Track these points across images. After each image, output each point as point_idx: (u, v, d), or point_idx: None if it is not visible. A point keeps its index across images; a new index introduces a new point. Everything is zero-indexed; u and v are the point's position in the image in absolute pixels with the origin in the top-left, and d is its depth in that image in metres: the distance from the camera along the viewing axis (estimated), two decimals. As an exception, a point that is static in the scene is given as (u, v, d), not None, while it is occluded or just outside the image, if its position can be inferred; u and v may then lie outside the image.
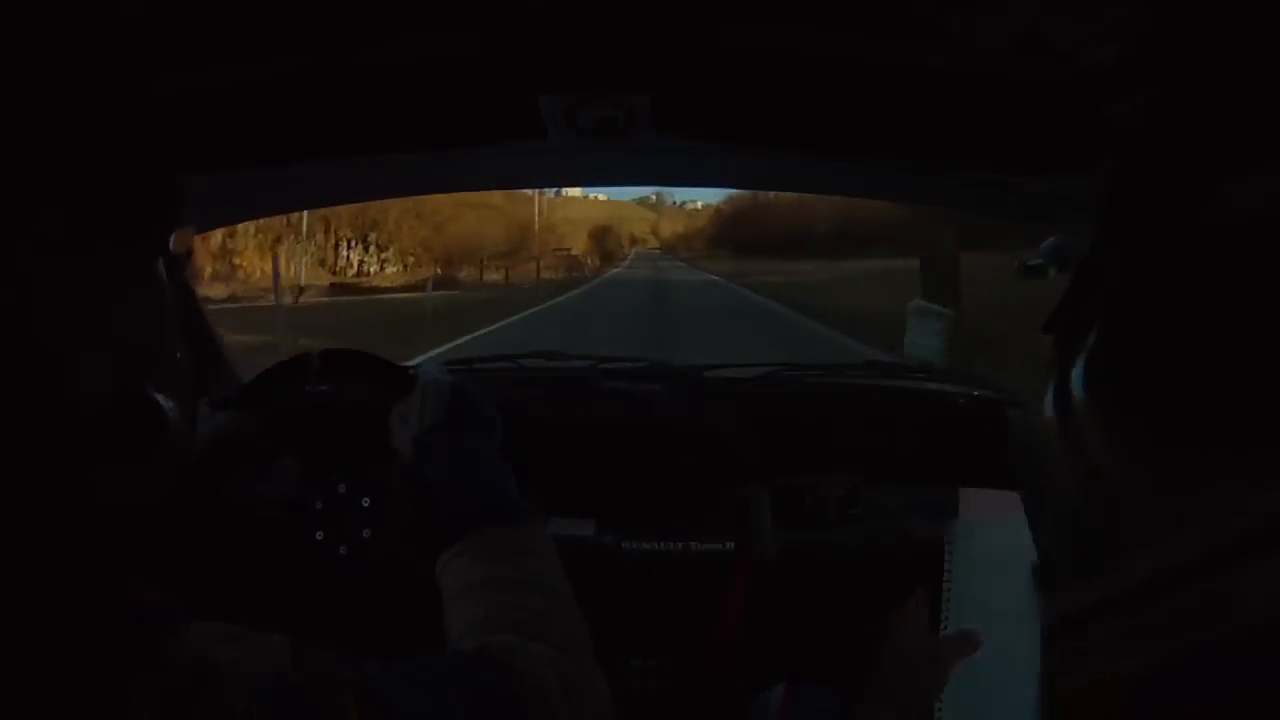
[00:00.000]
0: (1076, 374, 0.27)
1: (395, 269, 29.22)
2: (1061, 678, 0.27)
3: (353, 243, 27.90)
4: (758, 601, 0.97)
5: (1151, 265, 0.26)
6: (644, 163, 1.03)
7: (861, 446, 1.08)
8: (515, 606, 0.53)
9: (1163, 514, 0.23)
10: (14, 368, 0.32)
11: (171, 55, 0.58)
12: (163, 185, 0.41)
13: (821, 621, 0.97)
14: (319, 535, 0.90)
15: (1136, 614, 0.24)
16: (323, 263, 26.28)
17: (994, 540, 0.64)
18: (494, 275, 30.85)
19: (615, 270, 48.82)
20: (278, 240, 21.93)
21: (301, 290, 18.49)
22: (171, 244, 0.41)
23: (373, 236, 28.39)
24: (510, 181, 1.50)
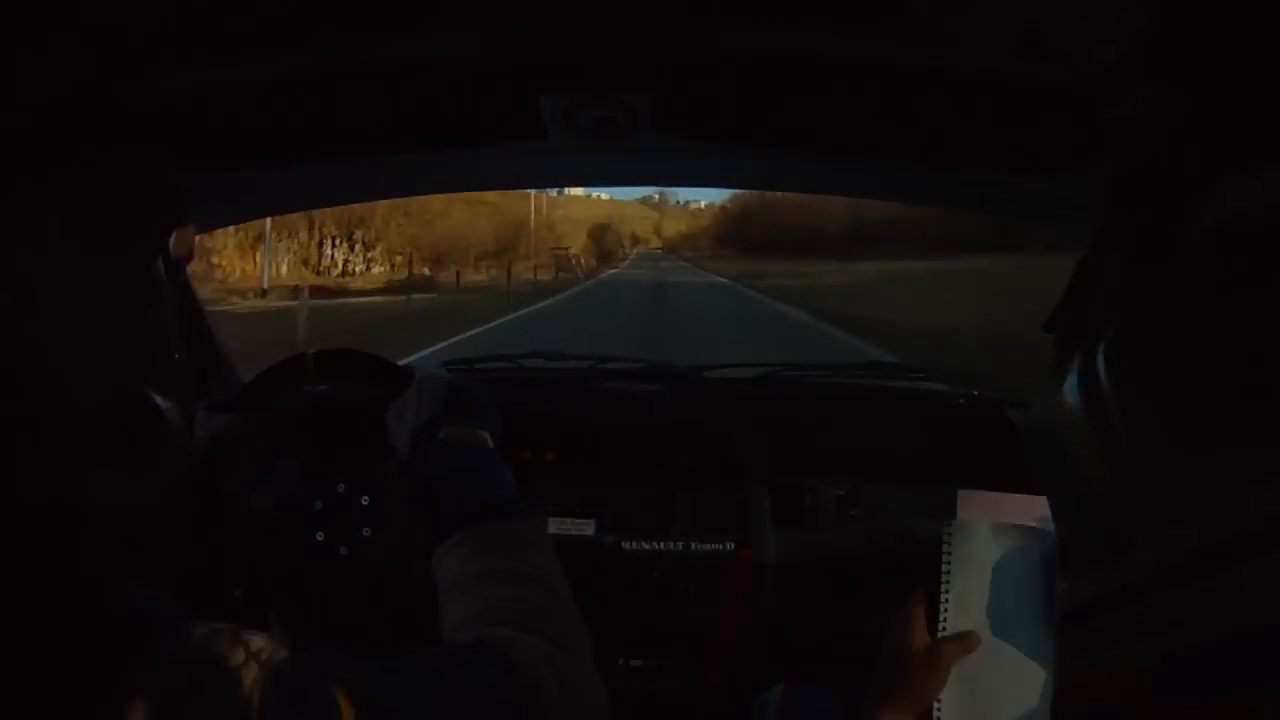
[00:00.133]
0: (1079, 372, 0.27)
1: (382, 268, 28.04)
2: (1075, 666, 0.27)
3: (337, 241, 26.85)
4: (758, 601, 0.97)
5: (1151, 265, 0.26)
6: (644, 163, 1.03)
7: (861, 446, 1.08)
8: (513, 600, 0.53)
9: (1179, 504, 0.23)
10: (13, 368, 0.32)
11: (171, 55, 0.58)
12: (163, 186, 0.41)
13: (821, 621, 0.97)
14: (319, 535, 0.90)
15: (1153, 602, 0.24)
16: (305, 262, 25.28)
17: (994, 540, 0.64)
18: (478, 276, 28.78)
19: (612, 271, 45.09)
20: (259, 239, 21.05)
21: (265, 293, 17.23)
22: (172, 244, 0.41)
23: (358, 234, 27.35)
24: (510, 181, 1.50)
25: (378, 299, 17.81)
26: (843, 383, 1.33)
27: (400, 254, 28.97)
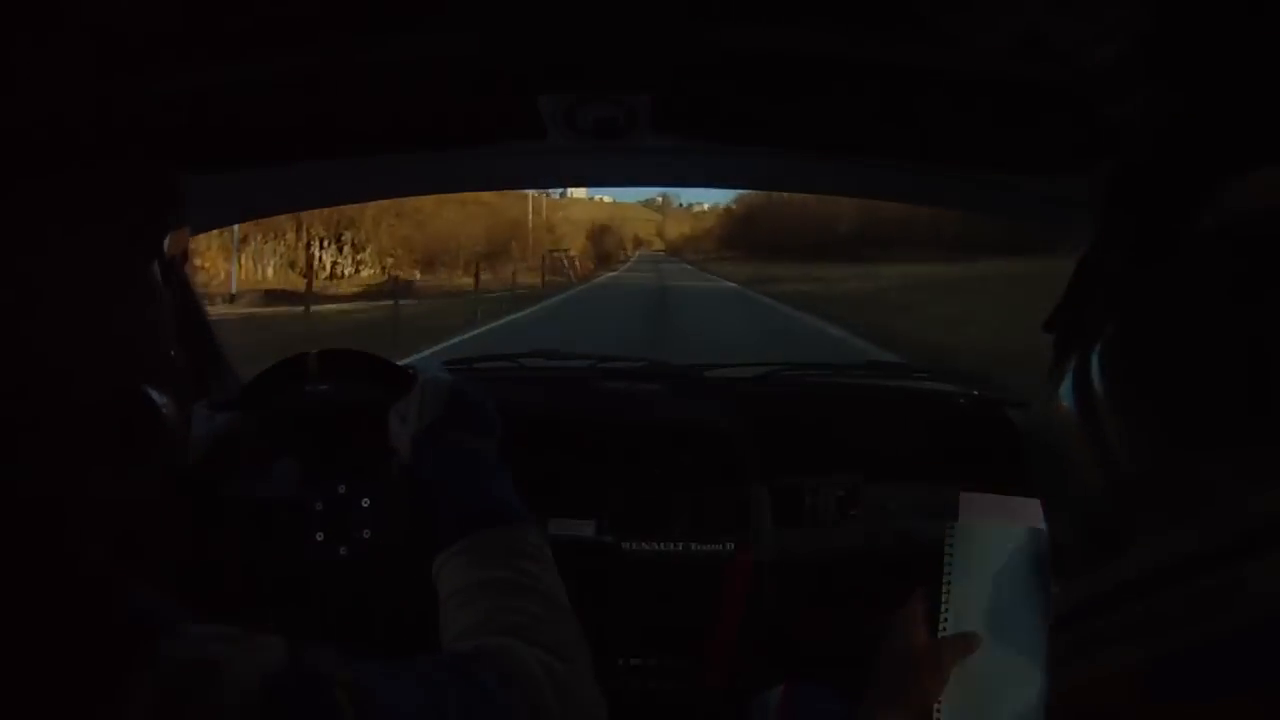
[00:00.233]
0: (1077, 372, 0.27)
1: (372, 271, 26.58)
2: (1070, 667, 0.27)
3: (325, 242, 25.45)
4: (758, 601, 0.97)
5: (1151, 265, 0.26)
6: (644, 163, 1.03)
7: (861, 446, 1.08)
8: (512, 611, 0.53)
9: (1174, 506, 0.23)
10: (11, 369, 0.32)
11: (171, 55, 0.58)
12: (159, 186, 0.41)
13: (821, 621, 0.97)
14: (319, 535, 0.90)
15: (1148, 604, 0.24)
16: (293, 264, 23.86)
17: (994, 541, 0.64)
18: (466, 280, 26.70)
19: (610, 274, 40.69)
20: (243, 241, 20.06)
21: (233, 298, 16.03)
22: (167, 245, 0.41)
23: (348, 236, 26.05)
24: (510, 181, 1.50)
25: (348, 306, 15.50)
26: (843, 383, 1.33)
27: (391, 255, 27.96)
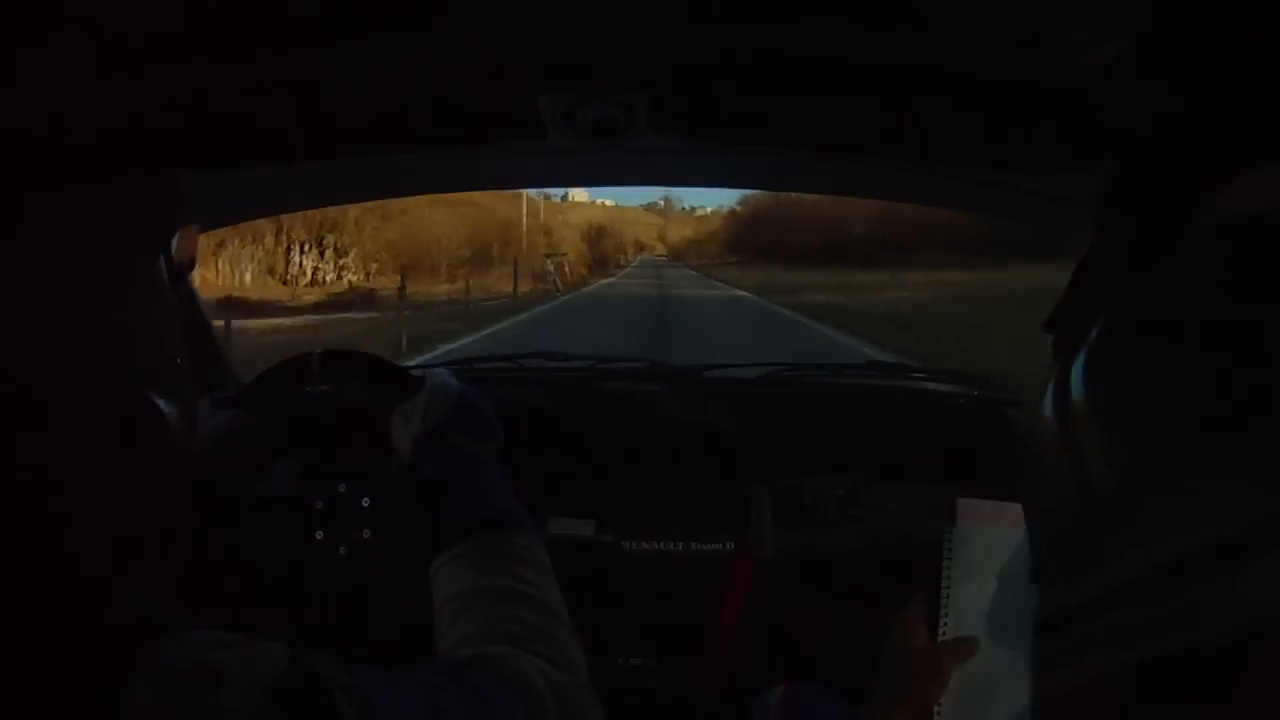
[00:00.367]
0: (1075, 373, 0.27)
1: (356, 276, 24.97)
2: (1043, 677, 0.27)
3: (306, 246, 23.93)
4: (758, 601, 0.97)
5: (1151, 265, 0.26)
6: (644, 163, 1.03)
7: (861, 446, 1.08)
8: (511, 620, 0.53)
9: (1152, 515, 0.23)
10: (17, 370, 0.32)
11: (171, 55, 0.58)
12: (160, 187, 0.41)
13: (821, 621, 0.97)
14: (319, 535, 0.90)
15: (1120, 614, 0.23)
16: (271, 270, 22.66)
17: (994, 543, 0.64)
18: (447, 287, 24.26)
19: (605, 281, 35.88)
20: (220, 245, 18.83)
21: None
22: (175, 247, 0.41)
23: (330, 239, 24.48)
24: (510, 181, 1.50)
25: (301, 320, 12.68)
26: (843, 383, 1.33)
27: (376, 260, 26.29)
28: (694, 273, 45.47)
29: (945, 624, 0.64)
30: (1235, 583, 0.21)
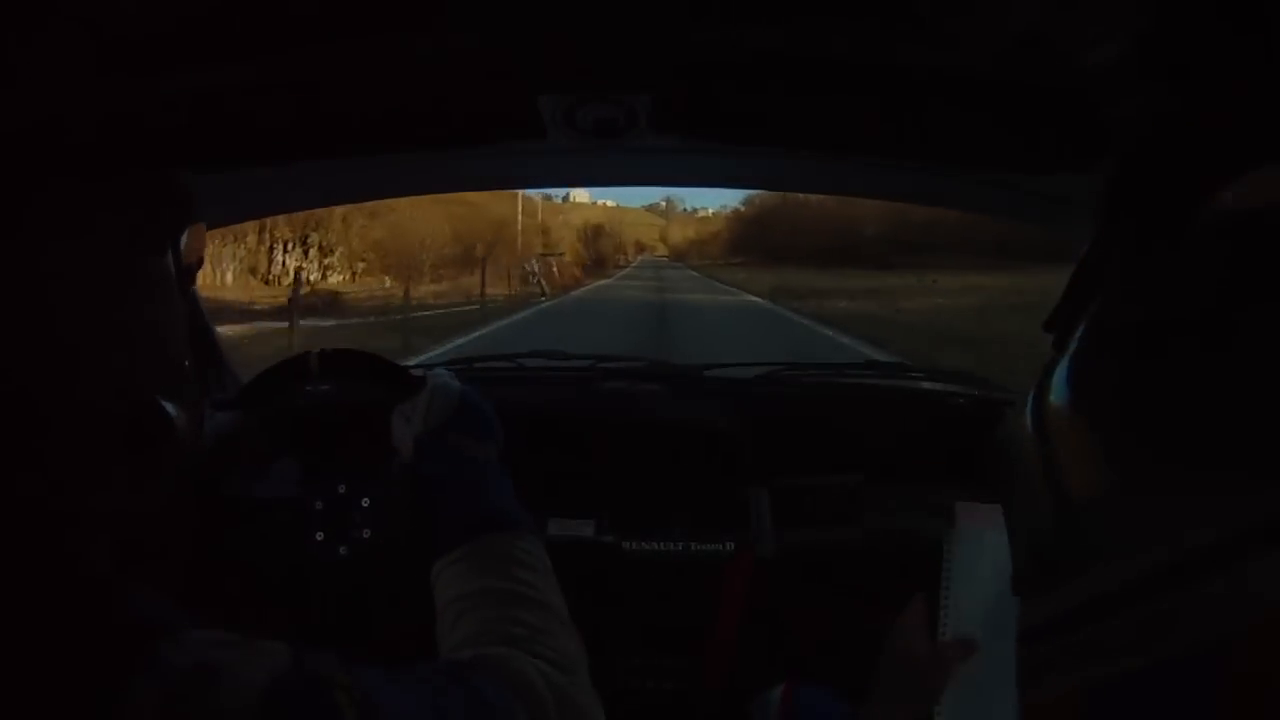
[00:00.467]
0: (1057, 378, 0.27)
1: (341, 277, 23.90)
2: (1026, 687, 0.27)
3: (290, 246, 22.97)
4: (758, 601, 0.97)
5: (1151, 265, 0.26)
6: (644, 163, 1.03)
7: (861, 446, 1.08)
8: (512, 622, 0.53)
9: (1130, 526, 0.23)
10: (23, 372, 0.32)
11: (172, 55, 0.58)
12: (161, 187, 0.41)
13: (821, 621, 0.97)
14: (319, 535, 0.90)
15: (1096, 627, 0.23)
16: (254, 270, 21.85)
17: (993, 544, 0.64)
18: (435, 288, 22.65)
19: (601, 283, 32.92)
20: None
21: None
22: (184, 247, 0.41)
23: (315, 238, 23.44)
24: (510, 181, 1.50)
25: (256, 326, 10.47)
26: (843, 383, 1.33)
27: (363, 260, 25.09)
28: (696, 274, 42.49)
29: (945, 624, 0.64)
30: (1208, 593, 0.20)
